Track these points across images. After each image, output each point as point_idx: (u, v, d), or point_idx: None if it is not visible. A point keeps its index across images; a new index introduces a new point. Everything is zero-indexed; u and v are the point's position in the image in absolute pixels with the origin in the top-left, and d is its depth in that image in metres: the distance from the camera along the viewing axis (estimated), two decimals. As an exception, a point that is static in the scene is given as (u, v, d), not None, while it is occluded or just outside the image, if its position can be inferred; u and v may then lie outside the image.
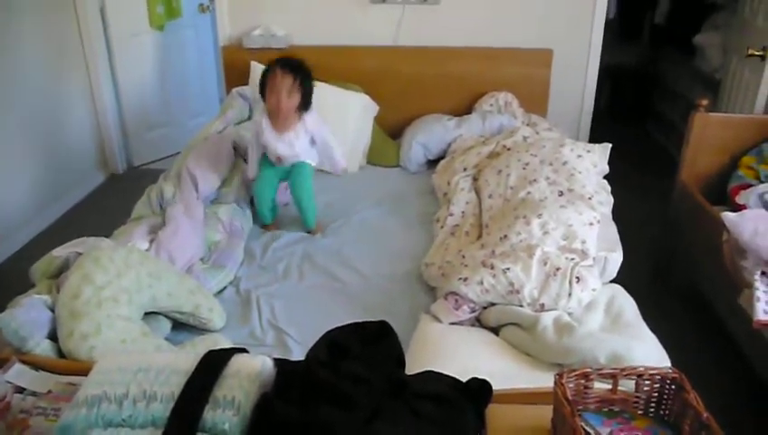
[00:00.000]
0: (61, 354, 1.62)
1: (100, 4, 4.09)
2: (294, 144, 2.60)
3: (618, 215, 2.55)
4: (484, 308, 1.98)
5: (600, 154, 2.66)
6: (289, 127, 2.58)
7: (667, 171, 3.49)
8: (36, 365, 1.47)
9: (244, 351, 1.29)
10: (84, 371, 1.26)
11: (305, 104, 2.56)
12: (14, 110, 3.48)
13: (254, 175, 2.73)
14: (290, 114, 2.54)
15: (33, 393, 1.38)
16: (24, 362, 1.46)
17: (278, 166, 2.67)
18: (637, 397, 1.23)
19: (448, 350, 1.76)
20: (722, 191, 2.86)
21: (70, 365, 1.51)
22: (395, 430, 1.06)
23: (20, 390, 1.39)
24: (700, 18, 4.65)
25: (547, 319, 1.81)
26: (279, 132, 2.58)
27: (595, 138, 3.32)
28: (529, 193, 2.39)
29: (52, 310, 1.70)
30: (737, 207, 2.58)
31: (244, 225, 2.61)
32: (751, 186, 2.70)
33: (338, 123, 3.30)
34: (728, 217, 2.39)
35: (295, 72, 2.49)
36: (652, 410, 1.23)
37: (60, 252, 1.96)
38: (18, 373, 1.42)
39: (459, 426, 1.14)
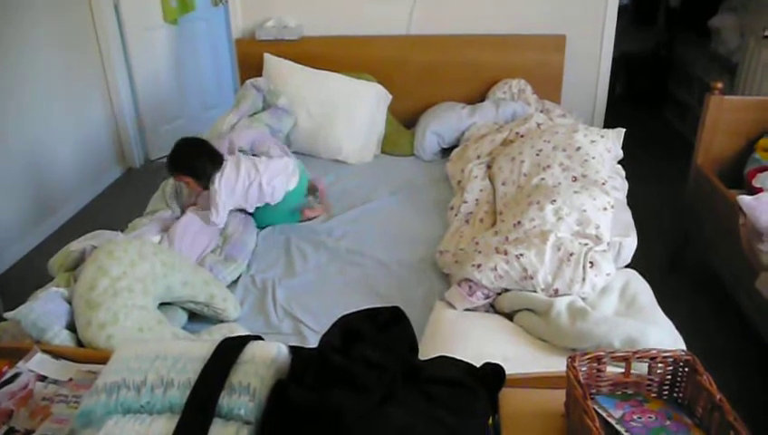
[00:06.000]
0: (80, 344, 1.65)
1: (114, -1, 4.13)
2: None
3: (632, 199, 2.54)
4: (498, 294, 1.98)
5: (614, 139, 2.65)
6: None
7: (682, 156, 3.46)
8: (57, 354, 1.50)
9: (259, 338, 1.31)
10: (104, 359, 1.28)
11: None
12: (32, 107, 3.52)
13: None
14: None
15: (55, 381, 1.41)
16: (45, 352, 1.49)
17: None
18: (650, 380, 1.22)
19: (462, 335, 1.77)
20: (738, 175, 2.83)
21: (89, 354, 1.54)
22: (407, 413, 1.07)
23: (42, 378, 1.42)
24: (716, 1, 4.59)
25: (561, 304, 1.81)
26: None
27: (610, 123, 3.31)
28: (542, 179, 2.39)
29: (70, 302, 1.73)
30: (754, 191, 2.55)
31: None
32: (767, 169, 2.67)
33: (351, 113, 3.31)
34: (745, 200, 2.37)
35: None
36: (665, 392, 1.22)
37: (76, 245, 1.99)
38: (40, 362, 1.45)
39: (471, 409, 1.15)
